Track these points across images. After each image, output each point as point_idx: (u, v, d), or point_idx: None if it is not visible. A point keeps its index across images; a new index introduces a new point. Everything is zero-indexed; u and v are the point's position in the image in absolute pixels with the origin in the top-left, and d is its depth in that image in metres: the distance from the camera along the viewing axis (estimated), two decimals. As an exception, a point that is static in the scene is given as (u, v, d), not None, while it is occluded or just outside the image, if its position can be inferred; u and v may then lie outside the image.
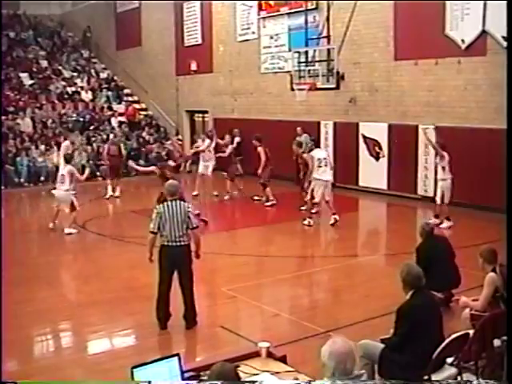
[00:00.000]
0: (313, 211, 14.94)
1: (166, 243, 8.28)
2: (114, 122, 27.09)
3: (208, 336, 8.40)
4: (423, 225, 9.28)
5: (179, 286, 8.43)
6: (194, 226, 8.37)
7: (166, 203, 8.33)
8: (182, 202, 8.41)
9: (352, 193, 18.80)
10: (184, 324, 8.43)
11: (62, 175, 14.76)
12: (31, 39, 31.92)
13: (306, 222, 14.70)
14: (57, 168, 22.37)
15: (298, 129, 20.04)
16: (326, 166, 14.54)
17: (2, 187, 20.96)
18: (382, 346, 6.01)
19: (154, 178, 17.57)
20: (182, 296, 8.45)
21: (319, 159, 14.48)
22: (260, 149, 16.90)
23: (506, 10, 12.99)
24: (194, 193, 18.20)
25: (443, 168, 14.35)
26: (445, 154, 14.23)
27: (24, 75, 28.30)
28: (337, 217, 14.48)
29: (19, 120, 24.60)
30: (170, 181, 8.88)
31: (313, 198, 14.59)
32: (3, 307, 8.65)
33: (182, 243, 8.29)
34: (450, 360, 5.92)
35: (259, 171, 16.80)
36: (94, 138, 24.79)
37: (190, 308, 8.47)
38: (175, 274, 8.41)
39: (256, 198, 17.55)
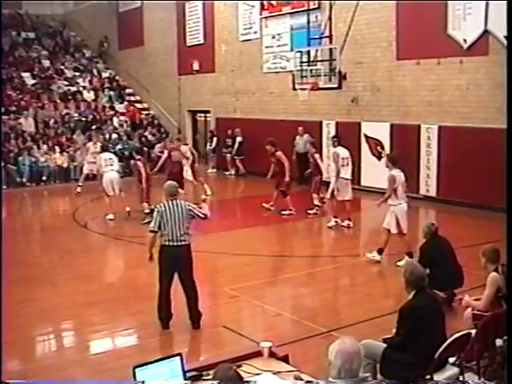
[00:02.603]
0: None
1: (166, 243, 8.24)
2: (116, 121, 27.09)
3: (210, 336, 8.40)
4: (428, 224, 9.30)
5: (181, 287, 8.42)
6: (202, 216, 8.47)
7: (166, 202, 8.31)
8: (181, 201, 8.41)
9: (354, 192, 18.66)
10: (186, 323, 8.42)
11: (111, 158, 16.43)
12: (33, 39, 31.93)
13: (331, 224, 14.46)
14: (59, 167, 22.58)
15: (300, 128, 20.06)
16: (347, 165, 14.26)
17: (4, 187, 20.98)
18: (385, 345, 6.01)
19: (155, 178, 17.60)
20: (186, 296, 8.43)
21: (343, 158, 14.16)
22: (280, 153, 15.65)
23: (506, 10, 13.02)
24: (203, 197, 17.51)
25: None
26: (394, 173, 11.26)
27: (26, 75, 28.30)
28: (350, 223, 14.40)
29: (21, 120, 24.62)
30: (169, 181, 8.88)
31: (333, 197, 14.41)
32: (5, 307, 8.68)
33: (183, 243, 8.25)
34: (452, 360, 5.92)
35: (287, 179, 15.50)
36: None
37: (195, 308, 8.45)
38: (176, 274, 8.40)
39: (285, 212, 15.81)
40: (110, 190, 15.98)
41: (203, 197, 17.14)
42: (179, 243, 8.22)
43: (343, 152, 14.28)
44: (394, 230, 11.29)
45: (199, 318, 8.46)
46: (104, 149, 17.48)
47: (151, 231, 8.31)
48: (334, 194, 14.31)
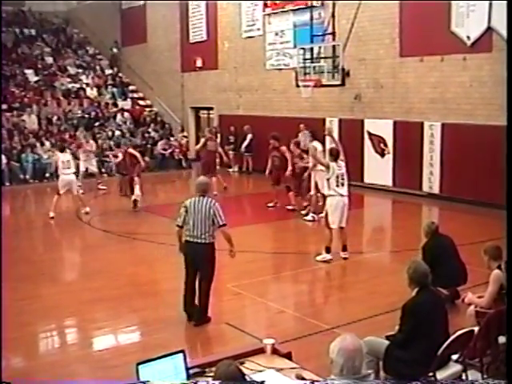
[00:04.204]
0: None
1: (188, 239, 8.35)
2: (119, 118, 27.08)
3: (213, 332, 8.41)
4: (429, 223, 9.33)
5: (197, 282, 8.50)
6: (221, 223, 8.32)
7: (193, 198, 8.37)
8: (207, 199, 8.38)
9: (357, 190, 18.71)
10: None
11: (68, 161, 15.83)
12: (36, 36, 31.93)
13: (309, 218, 14.89)
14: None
15: (301, 125, 20.03)
16: (323, 158, 14.58)
17: (7, 184, 21.03)
18: (387, 342, 6.01)
19: (158, 175, 17.64)
20: (198, 292, 8.49)
21: (320, 151, 14.65)
22: (284, 148, 15.91)
23: (506, 10, 13.00)
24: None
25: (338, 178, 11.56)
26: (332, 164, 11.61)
27: (29, 72, 28.32)
28: (316, 216, 14.82)
29: (24, 117, 24.62)
30: (201, 177, 8.94)
31: (318, 191, 14.76)
32: (9, 304, 8.70)
33: (203, 241, 8.28)
34: (455, 357, 5.92)
35: (288, 173, 15.65)
36: (99, 135, 24.80)
37: (199, 307, 8.48)
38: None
39: (289, 207, 16.05)
40: (63, 191, 15.75)
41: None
42: (199, 240, 8.28)
43: (319, 146, 14.89)
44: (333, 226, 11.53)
45: (201, 317, 8.47)
46: (61, 149, 16.79)
47: (177, 226, 8.42)
48: (317, 187, 14.75)
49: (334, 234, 11.66)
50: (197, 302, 8.48)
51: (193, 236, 8.26)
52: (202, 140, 18.57)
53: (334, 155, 11.70)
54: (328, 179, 11.57)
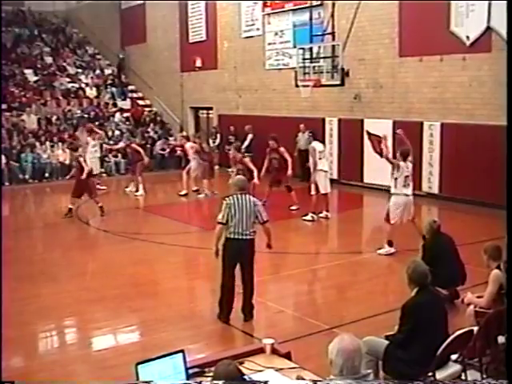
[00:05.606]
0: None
1: (232, 236, 8.35)
2: (119, 118, 27.06)
3: (212, 332, 8.41)
4: (430, 222, 9.31)
5: (241, 279, 8.56)
6: (265, 219, 8.46)
7: (235, 196, 8.38)
8: (250, 197, 8.47)
9: (356, 189, 18.81)
10: (188, 320, 8.47)
11: None
12: (36, 36, 31.90)
13: (308, 218, 14.86)
14: (61, 164, 22.54)
15: (301, 126, 20.04)
16: (324, 158, 15.14)
17: (7, 184, 21.02)
18: (387, 342, 6.02)
19: (158, 175, 17.63)
20: (243, 289, 8.58)
21: (320, 152, 14.91)
22: (283, 149, 15.95)
23: (506, 10, 12.99)
24: (182, 192, 18.54)
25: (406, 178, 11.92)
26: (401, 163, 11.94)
27: (28, 71, 28.32)
28: (328, 214, 15.10)
29: (24, 116, 24.61)
30: (239, 176, 8.97)
31: (318, 191, 14.81)
32: (8, 304, 8.69)
33: (248, 237, 8.37)
34: (454, 357, 5.92)
35: (290, 172, 15.78)
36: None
37: (248, 302, 8.60)
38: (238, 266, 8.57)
39: (293, 207, 16.04)
40: None
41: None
42: (243, 237, 8.34)
43: (319, 146, 15.13)
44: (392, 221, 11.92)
45: (251, 310, 8.62)
46: None
47: (220, 223, 8.36)
48: (318, 188, 14.83)
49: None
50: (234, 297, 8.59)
51: (237, 233, 8.31)
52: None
53: (404, 155, 11.94)
54: (396, 179, 11.83)
